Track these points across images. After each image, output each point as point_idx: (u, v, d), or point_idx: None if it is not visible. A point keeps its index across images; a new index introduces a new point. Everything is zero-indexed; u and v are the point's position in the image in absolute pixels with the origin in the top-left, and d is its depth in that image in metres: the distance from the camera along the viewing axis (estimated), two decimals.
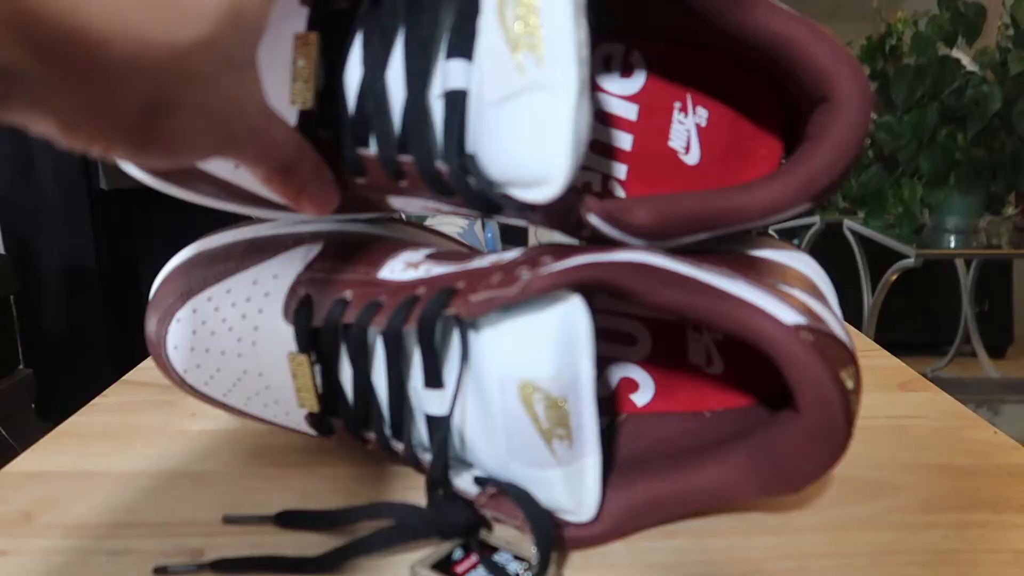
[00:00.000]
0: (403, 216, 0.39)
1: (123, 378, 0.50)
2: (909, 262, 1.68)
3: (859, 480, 0.36)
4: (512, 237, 0.75)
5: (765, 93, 0.35)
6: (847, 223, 2.03)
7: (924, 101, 1.91)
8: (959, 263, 2.03)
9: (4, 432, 0.98)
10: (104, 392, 0.48)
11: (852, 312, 2.03)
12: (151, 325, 0.35)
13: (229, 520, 0.33)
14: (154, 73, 0.18)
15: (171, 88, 0.19)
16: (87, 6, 0.16)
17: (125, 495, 0.35)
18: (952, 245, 1.80)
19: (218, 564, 0.29)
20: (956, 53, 1.91)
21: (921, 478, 0.36)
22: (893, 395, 0.45)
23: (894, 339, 1.99)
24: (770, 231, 0.37)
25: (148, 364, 0.52)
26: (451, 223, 0.70)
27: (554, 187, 0.25)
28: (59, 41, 0.16)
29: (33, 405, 1.17)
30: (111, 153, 0.20)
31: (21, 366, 1.16)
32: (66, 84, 0.17)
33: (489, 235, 0.71)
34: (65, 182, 1.42)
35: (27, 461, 0.39)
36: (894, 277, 1.77)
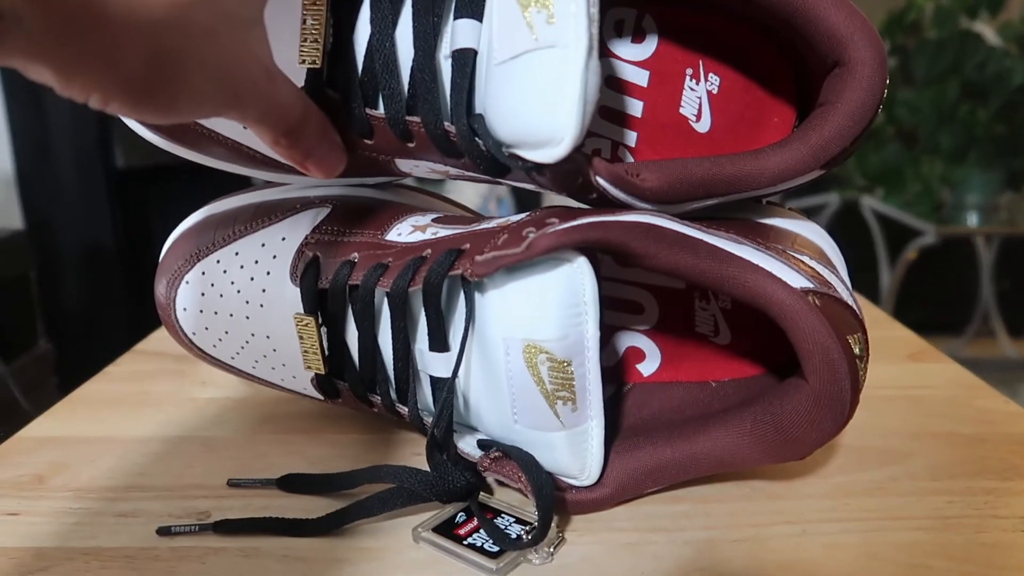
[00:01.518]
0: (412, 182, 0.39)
1: (135, 347, 0.50)
2: (928, 240, 1.66)
3: (867, 448, 0.35)
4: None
5: (778, 60, 0.34)
6: (865, 201, 2.00)
7: (945, 76, 1.88)
8: (979, 241, 2.00)
9: (26, 405, 1.00)
10: (116, 361, 0.48)
11: (870, 291, 2.01)
12: (160, 288, 0.35)
13: (233, 484, 0.33)
14: (153, 25, 0.18)
15: (171, 41, 0.19)
16: None
17: (135, 459, 0.36)
18: (972, 223, 1.78)
19: (220, 525, 0.30)
20: (978, 27, 1.87)
21: (929, 446, 0.36)
22: (904, 365, 0.45)
23: (912, 318, 1.97)
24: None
25: (160, 334, 0.52)
26: (463, 198, 0.70)
27: (562, 147, 0.25)
28: None
29: (54, 379, 1.19)
30: (109, 106, 0.20)
31: (42, 341, 1.17)
32: (62, 31, 0.17)
33: (503, 214, 0.71)
34: (82, 160, 1.43)
35: (40, 427, 0.40)
36: (912, 255, 1.75)
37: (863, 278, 2.09)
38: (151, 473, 0.35)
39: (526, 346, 0.27)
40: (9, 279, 1.08)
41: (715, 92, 0.35)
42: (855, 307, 0.29)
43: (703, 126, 0.35)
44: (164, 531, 0.30)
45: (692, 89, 0.35)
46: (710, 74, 0.34)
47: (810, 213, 2.07)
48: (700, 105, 0.35)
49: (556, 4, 0.24)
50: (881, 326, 0.51)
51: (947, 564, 0.27)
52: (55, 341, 1.22)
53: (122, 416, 0.41)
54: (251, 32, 0.23)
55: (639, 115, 0.35)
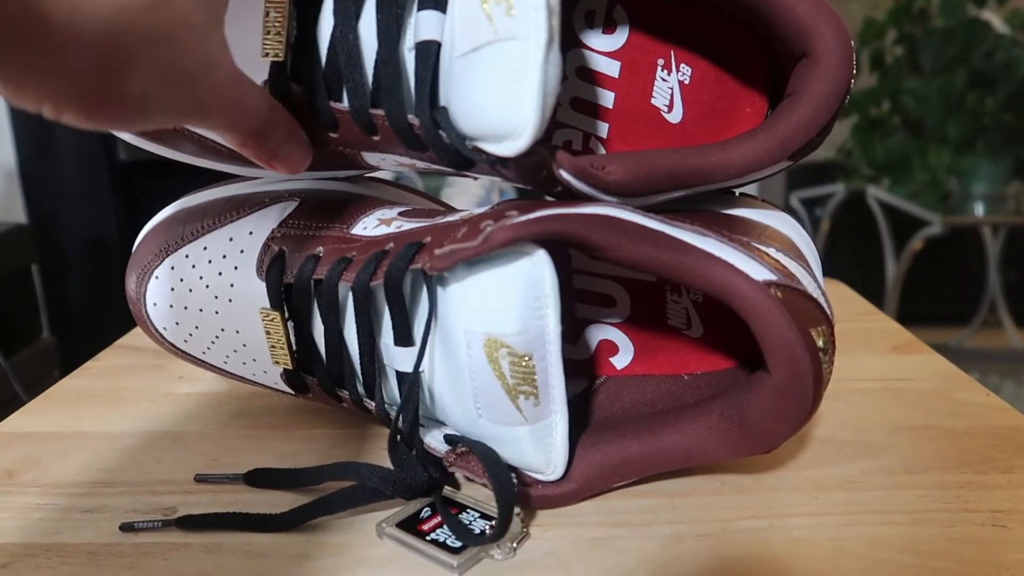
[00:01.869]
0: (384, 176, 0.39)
1: (117, 342, 0.50)
2: (934, 230, 1.64)
3: (842, 442, 0.35)
4: None
5: (750, 50, 0.34)
6: (871, 191, 1.98)
7: (952, 65, 1.85)
8: (986, 231, 1.98)
9: (27, 399, 1.01)
10: (97, 356, 0.48)
11: (876, 281, 1.99)
12: (131, 283, 0.35)
13: (201, 479, 0.33)
14: (99, 30, 0.18)
15: (122, 46, 0.19)
16: None
17: (106, 455, 0.36)
18: (979, 212, 1.76)
19: (183, 520, 0.29)
20: (986, 15, 1.84)
21: (906, 439, 0.35)
22: (887, 357, 0.44)
23: (919, 308, 1.95)
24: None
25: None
26: (467, 192, 0.70)
27: (523, 140, 0.25)
28: None
29: (57, 373, 1.20)
30: (63, 115, 0.19)
31: (45, 334, 1.18)
32: (3, 40, 0.16)
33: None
34: (85, 153, 1.43)
35: (14, 422, 0.40)
36: (918, 245, 1.73)
37: (868, 268, 2.08)
38: (120, 469, 0.35)
39: (487, 340, 0.27)
40: (12, 273, 1.09)
41: (687, 82, 0.34)
42: (820, 300, 0.29)
43: (675, 116, 0.35)
44: (127, 527, 0.30)
45: (664, 80, 0.34)
46: (682, 64, 0.34)
47: (815, 203, 2.05)
48: (672, 95, 0.34)
49: None
50: (866, 318, 0.51)
51: (915, 559, 0.27)
52: (58, 334, 1.22)
53: (97, 412, 0.41)
54: (210, 36, 0.22)
55: (610, 106, 0.35)
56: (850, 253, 2.15)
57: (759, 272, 0.28)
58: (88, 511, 0.31)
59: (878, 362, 0.43)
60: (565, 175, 0.28)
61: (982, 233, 1.96)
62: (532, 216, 0.27)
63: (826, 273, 0.35)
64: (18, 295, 1.12)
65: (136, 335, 0.51)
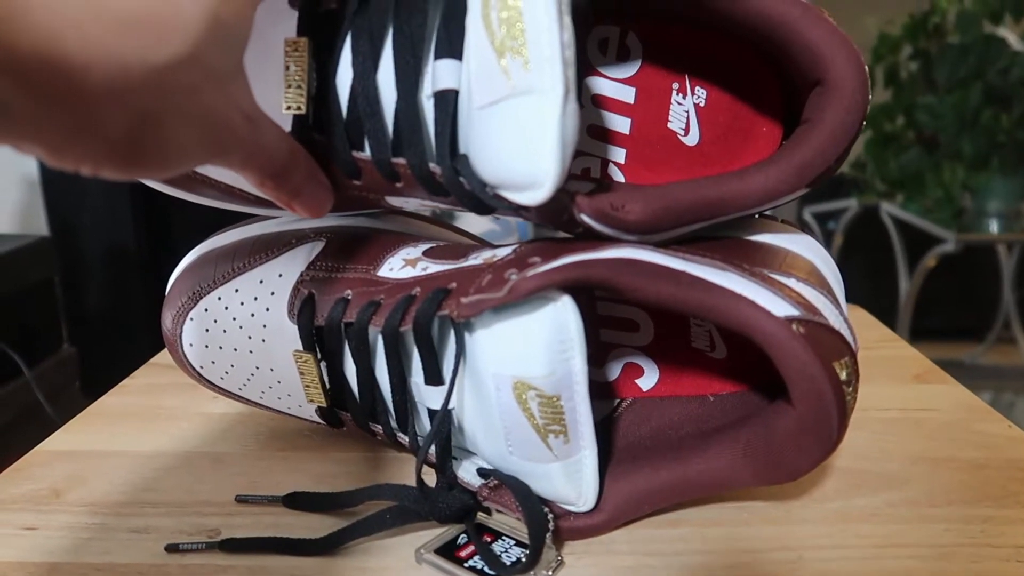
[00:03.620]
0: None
1: (151, 360, 0.52)
2: (948, 247, 1.64)
3: (866, 472, 0.36)
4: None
5: (764, 70, 0.34)
6: (884, 206, 1.98)
7: (967, 81, 1.85)
8: (1000, 249, 1.98)
9: (49, 408, 1.02)
10: (133, 374, 0.49)
11: (888, 297, 1.99)
12: (167, 322, 0.36)
13: (241, 500, 0.34)
14: (135, 93, 0.19)
15: (151, 104, 0.19)
16: (63, 37, 0.16)
17: (148, 475, 0.37)
18: (994, 229, 1.75)
19: (226, 543, 0.30)
20: (1002, 31, 1.84)
21: (929, 471, 0.36)
22: (908, 386, 0.45)
23: (932, 324, 1.95)
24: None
25: None
26: (479, 217, 0.71)
27: (544, 190, 0.25)
28: (38, 72, 0.16)
29: (77, 383, 1.21)
30: (100, 172, 0.20)
31: (66, 345, 1.19)
32: (49, 112, 0.17)
33: (521, 221, 0.71)
34: None
35: (57, 441, 0.41)
36: (932, 263, 1.73)
37: (881, 283, 2.07)
38: (163, 488, 0.36)
39: (515, 383, 0.28)
40: (35, 284, 1.11)
41: (702, 105, 0.35)
42: (843, 330, 0.29)
43: (691, 139, 0.35)
44: (172, 548, 0.31)
45: (679, 103, 0.35)
46: (696, 87, 0.35)
47: (828, 217, 2.04)
48: (688, 119, 0.35)
49: (531, 50, 0.24)
50: (888, 344, 0.51)
51: None
52: (79, 344, 1.24)
53: (136, 430, 0.42)
54: (231, 83, 0.23)
55: (627, 132, 0.35)
56: (863, 268, 2.14)
57: (780, 308, 0.28)
58: (135, 531, 0.32)
59: (899, 391, 0.44)
60: (586, 219, 0.29)
61: (997, 250, 1.96)
62: (555, 265, 0.28)
63: None
64: (40, 306, 1.13)
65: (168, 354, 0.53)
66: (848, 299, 0.35)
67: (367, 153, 0.30)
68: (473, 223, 1.34)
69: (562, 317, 0.27)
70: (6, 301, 1.02)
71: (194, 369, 0.37)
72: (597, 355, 0.38)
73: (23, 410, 1.01)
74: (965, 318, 2.16)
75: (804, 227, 0.36)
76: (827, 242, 2.16)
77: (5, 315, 1.01)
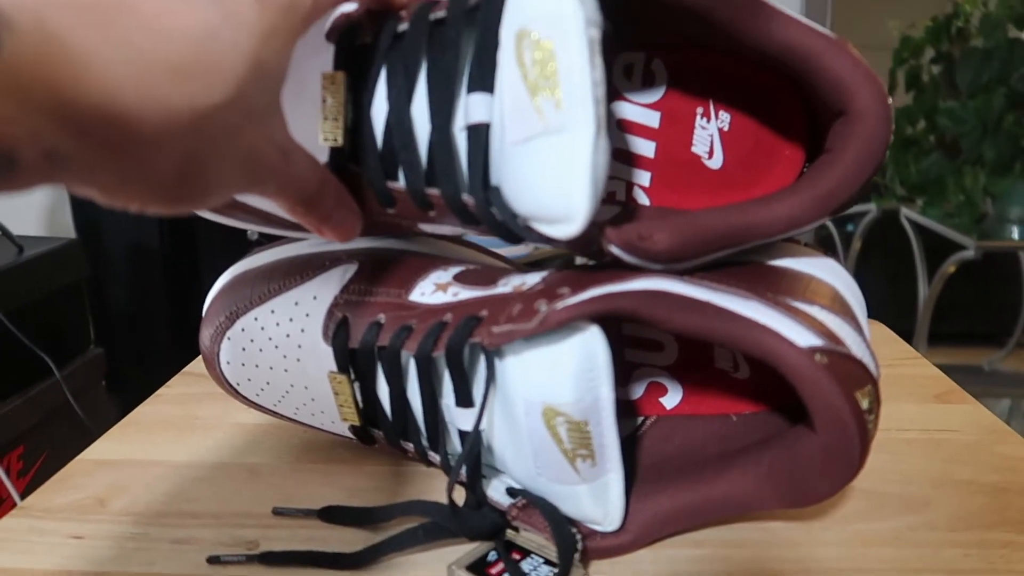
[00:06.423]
0: None
1: (185, 369, 0.53)
2: (968, 254, 1.63)
3: (887, 495, 0.36)
4: None
5: (787, 95, 0.35)
6: (904, 211, 1.97)
7: (991, 86, 1.84)
8: (1022, 255, 1.96)
9: (77, 407, 1.04)
10: (168, 383, 0.51)
11: (908, 301, 1.98)
12: (205, 340, 0.37)
13: (278, 512, 0.35)
14: (183, 137, 0.20)
15: (198, 146, 0.20)
16: (121, 89, 0.17)
17: (187, 485, 0.38)
18: (1015, 235, 1.74)
19: (266, 556, 0.32)
20: None
21: (949, 494, 0.36)
22: (929, 407, 0.45)
23: (951, 328, 1.94)
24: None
25: None
26: None
27: (575, 225, 0.26)
28: (97, 124, 0.17)
29: (103, 382, 1.23)
30: (147, 209, 0.21)
31: (92, 345, 1.22)
32: (104, 159, 0.18)
33: None
34: None
35: (99, 449, 0.42)
36: (952, 269, 1.72)
37: (899, 288, 2.07)
38: (202, 499, 0.37)
39: (544, 408, 0.29)
40: (65, 287, 1.13)
41: (726, 129, 0.35)
42: (865, 359, 0.30)
43: (715, 163, 0.36)
44: (214, 560, 0.32)
45: (703, 128, 0.36)
46: (720, 112, 0.35)
47: (848, 220, 2.02)
48: (712, 143, 0.36)
49: (563, 90, 0.25)
50: (908, 363, 0.52)
51: None
52: (104, 344, 1.26)
53: (173, 440, 0.43)
54: (269, 120, 0.24)
55: (652, 155, 0.36)
56: (882, 272, 2.14)
57: (804, 338, 0.29)
58: (177, 542, 0.34)
59: (920, 411, 0.45)
60: (614, 249, 0.30)
61: (1019, 256, 1.94)
62: (584, 298, 0.28)
63: None
64: (70, 309, 1.16)
65: (202, 362, 0.54)
66: (867, 304, 0.35)
67: (401, 183, 0.31)
68: None
69: (590, 347, 0.28)
70: (38, 303, 1.05)
71: (231, 385, 0.38)
72: (622, 374, 0.39)
73: (53, 410, 1.03)
74: (985, 323, 2.15)
75: (826, 249, 0.37)
76: (845, 244, 2.16)
77: (36, 317, 1.03)
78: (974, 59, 1.89)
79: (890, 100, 0.30)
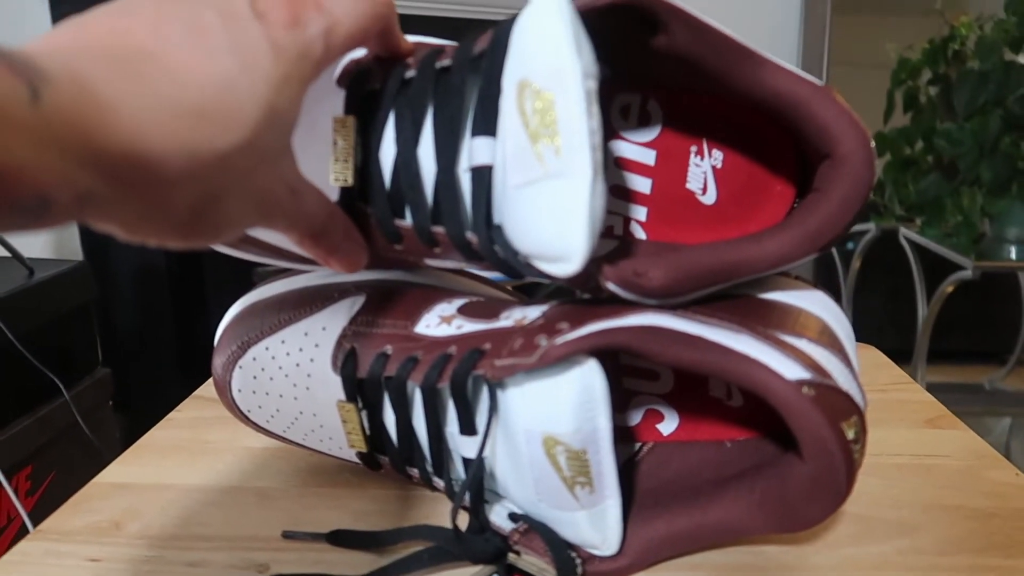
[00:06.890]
0: None
1: (195, 393, 0.54)
2: (966, 274, 1.64)
3: (877, 519, 0.37)
4: None
5: (778, 135, 0.36)
6: (903, 231, 1.99)
7: (987, 108, 1.86)
8: (1021, 275, 1.97)
9: (85, 427, 1.05)
10: (178, 407, 0.52)
11: (907, 319, 1.99)
12: (217, 368, 0.39)
13: (287, 536, 0.37)
14: (201, 178, 0.21)
15: (214, 186, 0.22)
16: (148, 134, 0.19)
17: (199, 508, 0.39)
18: (1013, 256, 1.75)
19: None
20: (1022, 59, 1.85)
21: (938, 518, 0.37)
22: (920, 431, 0.46)
23: (951, 346, 1.94)
24: None
25: None
26: None
27: (574, 264, 0.28)
28: (125, 166, 0.19)
29: (110, 402, 1.25)
30: (165, 244, 0.23)
31: (100, 366, 1.23)
32: (127, 198, 0.20)
33: None
34: None
35: (113, 473, 0.43)
36: (950, 289, 1.73)
37: (900, 306, 2.07)
38: (213, 523, 0.38)
39: (544, 438, 0.30)
40: (74, 309, 1.14)
41: (719, 167, 0.37)
42: (851, 391, 0.31)
43: (709, 199, 0.37)
44: None
45: (697, 165, 0.37)
46: (714, 150, 0.37)
47: (847, 239, 2.02)
48: (705, 179, 0.37)
49: (563, 138, 0.26)
50: (901, 388, 0.53)
51: None
52: (111, 365, 1.27)
53: (184, 464, 0.44)
54: (281, 161, 0.25)
55: (648, 192, 0.38)
56: (881, 291, 2.15)
57: (792, 371, 0.30)
58: (191, 564, 0.35)
59: (911, 436, 0.46)
60: (612, 287, 0.31)
61: (1017, 276, 1.96)
62: (581, 333, 0.30)
63: (856, 310, 0.37)
64: (79, 330, 1.17)
65: (212, 386, 0.55)
66: (866, 322, 0.36)
67: (408, 221, 0.32)
68: None
69: (588, 379, 0.29)
70: (47, 324, 1.06)
71: (242, 412, 0.39)
72: (621, 401, 0.41)
73: (61, 430, 1.04)
74: (985, 342, 2.15)
75: (817, 281, 0.38)
76: (845, 262, 2.17)
77: (46, 338, 1.05)
78: (970, 81, 1.91)
79: (872, 144, 0.32)
